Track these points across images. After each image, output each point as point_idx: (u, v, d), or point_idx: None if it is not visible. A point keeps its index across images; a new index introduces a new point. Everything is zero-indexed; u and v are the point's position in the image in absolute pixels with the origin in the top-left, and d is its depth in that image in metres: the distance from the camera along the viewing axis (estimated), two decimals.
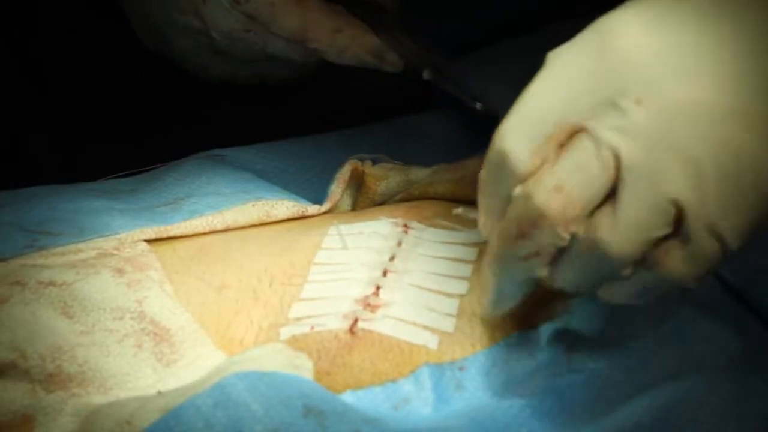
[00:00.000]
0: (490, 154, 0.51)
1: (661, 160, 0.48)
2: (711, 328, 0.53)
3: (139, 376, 0.53)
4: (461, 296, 0.57)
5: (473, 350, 0.54)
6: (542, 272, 0.51)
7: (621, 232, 0.48)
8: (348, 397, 0.52)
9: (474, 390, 0.52)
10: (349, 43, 0.68)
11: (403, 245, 0.60)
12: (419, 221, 0.62)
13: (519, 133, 0.50)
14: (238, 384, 0.49)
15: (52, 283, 0.55)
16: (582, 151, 0.49)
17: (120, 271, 0.57)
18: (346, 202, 0.67)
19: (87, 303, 0.55)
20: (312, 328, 0.55)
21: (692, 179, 0.48)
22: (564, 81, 0.49)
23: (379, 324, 0.55)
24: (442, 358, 0.54)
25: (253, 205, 0.63)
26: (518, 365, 0.53)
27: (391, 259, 0.59)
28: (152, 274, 0.58)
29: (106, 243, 0.60)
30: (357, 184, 0.67)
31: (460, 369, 0.53)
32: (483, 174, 0.52)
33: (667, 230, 0.49)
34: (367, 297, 0.57)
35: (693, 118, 0.48)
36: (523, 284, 0.52)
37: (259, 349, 0.53)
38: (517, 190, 0.50)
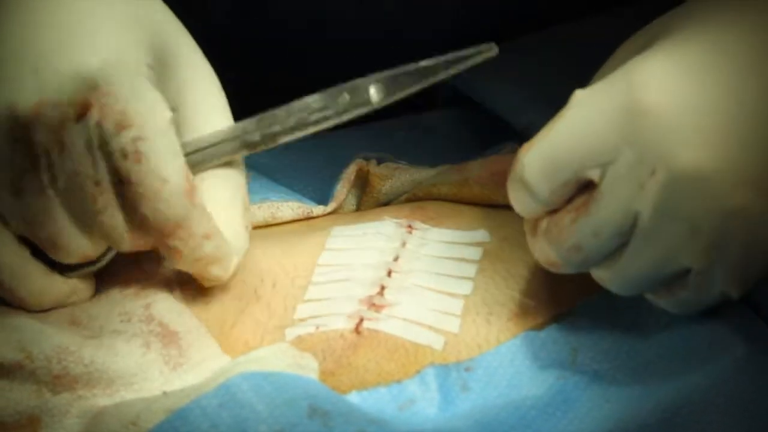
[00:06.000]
0: (513, 179, 0.53)
1: (672, 227, 0.49)
2: (716, 329, 0.53)
3: (145, 377, 0.53)
4: (466, 296, 0.57)
5: (479, 351, 0.54)
6: None
7: (621, 281, 0.52)
8: (353, 398, 0.52)
9: (480, 391, 0.52)
10: None
11: (408, 246, 0.60)
12: (423, 221, 0.62)
13: (539, 169, 0.51)
14: (243, 384, 0.49)
15: None
16: (599, 218, 0.50)
17: None
18: (351, 202, 0.67)
19: (93, 311, 0.55)
20: (317, 328, 0.55)
21: (700, 249, 0.49)
22: (587, 128, 0.50)
23: (385, 324, 0.55)
24: (447, 358, 0.54)
25: (259, 207, 0.64)
26: (523, 366, 0.53)
27: (396, 259, 0.59)
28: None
29: None
30: (362, 183, 0.67)
31: (466, 370, 0.53)
32: (509, 190, 0.53)
33: (669, 281, 0.51)
34: (371, 297, 0.56)
35: (702, 188, 0.48)
36: None
37: (264, 349, 0.53)
38: (541, 243, 0.53)
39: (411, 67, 0.54)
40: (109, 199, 0.52)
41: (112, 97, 0.51)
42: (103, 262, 0.56)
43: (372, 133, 0.71)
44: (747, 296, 0.54)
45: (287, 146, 0.59)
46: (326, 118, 0.55)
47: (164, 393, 0.52)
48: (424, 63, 0.54)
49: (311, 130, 0.56)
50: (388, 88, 0.54)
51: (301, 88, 0.73)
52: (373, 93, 0.54)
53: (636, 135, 0.48)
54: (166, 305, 0.56)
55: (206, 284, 0.56)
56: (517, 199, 0.53)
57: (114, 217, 0.53)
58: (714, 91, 0.49)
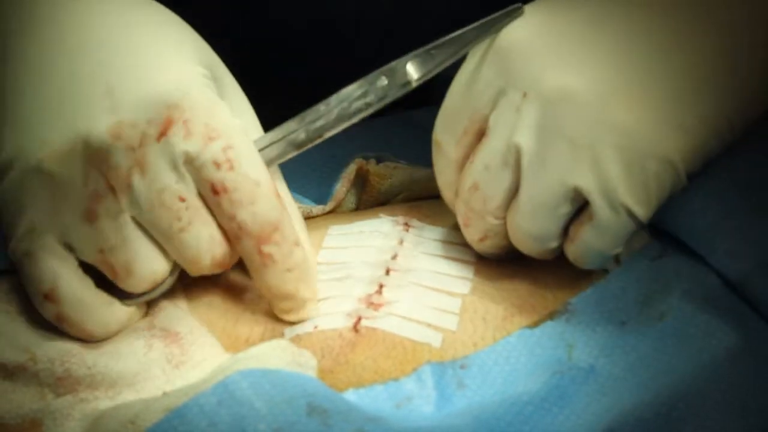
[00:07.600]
0: (433, 147, 0.58)
1: (553, 149, 0.52)
2: (711, 323, 0.53)
3: (148, 376, 0.53)
4: (463, 295, 0.57)
5: (474, 348, 0.54)
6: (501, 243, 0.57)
7: (525, 218, 0.54)
8: (350, 396, 0.52)
9: (476, 388, 0.52)
10: None
11: (405, 243, 0.60)
12: (419, 219, 0.63)
13: (444, 126, 0.57)
14: (242, 382, 0.49)
15: None
16: (487, 151, 0.54)
17: None
18: (350, 201, 0.67)
19: None
20: (316, 327, 0.55)
21: (586, 164, 0.51)
22: (471, 77, 0.54)
23: (383, 322, 0.55)
24: (444, 356, 0.54)
25: None
26: (519, 363, 0.53)
27: (394, 257, 0.59)
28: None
29: None
30: (361, 182, 0.67)
31: (462, 367, 0.53)
32: (433, 160, 0.58)
33: (569, 210, 0.53)
34: (370, 296, 0.57)
35: (575, 105, 0.51)
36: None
37: (263, 346, 0.53)
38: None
39: (442, 40, 0.54)
40: (193, 214, 0.53)
41: (194, 112, 0.52)
42: (161, 290, 0.56)
43: (368, 131, 0.71)
44: (741, 288, 0.54)
45: None
46: (368, 105, 0.55)
47: (164, 392, 0.52)
48: (453, 34, 0.55)
49: (355, 119, 0.56)
50: (424, 64, 0.55)
51: (301, 88, 0.72)
52: (411, 71, 0.55)
53: (506, 69, 0.53)
54: (166, 314, 0.56)
55: (284, 317, 0.56)
56: (437, 165, 0.57)
57: (197, 234, 0.53)
58: (573, 26, 0.53)
